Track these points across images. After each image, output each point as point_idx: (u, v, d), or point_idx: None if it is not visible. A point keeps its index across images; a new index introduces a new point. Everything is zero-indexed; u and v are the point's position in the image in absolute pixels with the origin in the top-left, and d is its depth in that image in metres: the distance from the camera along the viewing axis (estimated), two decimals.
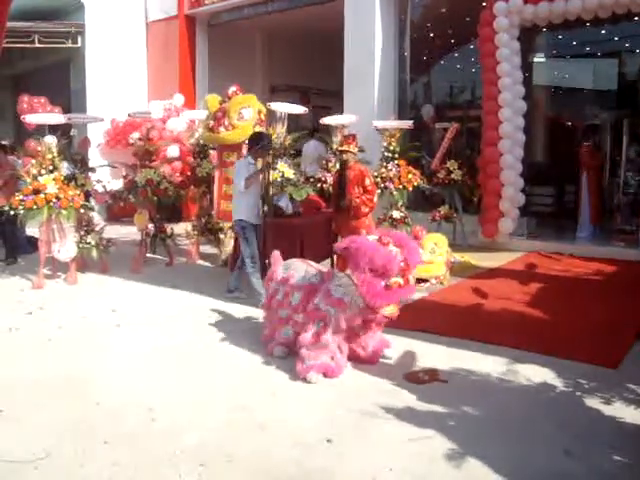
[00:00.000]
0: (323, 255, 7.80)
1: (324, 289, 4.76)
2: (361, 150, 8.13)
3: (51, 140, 7.98)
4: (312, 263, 5.36)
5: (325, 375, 4.70)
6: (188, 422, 4.02)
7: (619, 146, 11.28)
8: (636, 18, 9.78)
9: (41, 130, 8.20)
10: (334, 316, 4.62)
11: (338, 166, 7.73)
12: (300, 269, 5.17)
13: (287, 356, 5.08)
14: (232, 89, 8.48)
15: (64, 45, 15.25)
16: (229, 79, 9.44)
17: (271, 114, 9.22)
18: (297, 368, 4.71)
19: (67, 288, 7.93)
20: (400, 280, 4.56)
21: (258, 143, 7.02)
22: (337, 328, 4.66)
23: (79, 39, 15.19)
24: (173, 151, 9.89)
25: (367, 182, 7.19)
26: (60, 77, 16.24)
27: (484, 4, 10.13)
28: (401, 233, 5.10)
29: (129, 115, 10.53)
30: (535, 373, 4.83)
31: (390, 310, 4.63)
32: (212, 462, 3.52)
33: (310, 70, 16.83)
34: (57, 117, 8.43)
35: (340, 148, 7.54)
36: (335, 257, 4.84)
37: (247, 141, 7.33)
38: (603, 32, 11.58)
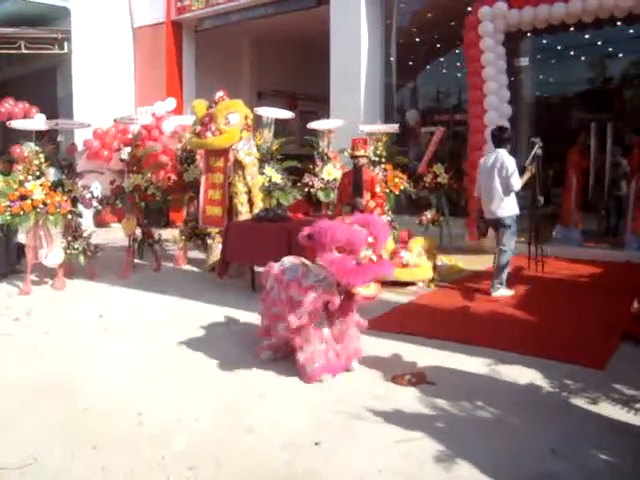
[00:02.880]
0: (311, 259, 7.81)
1: (296, 281, 4.74)
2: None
3: (31, 146, 7.96)
4: (305, 260, 5.22)
5: (332, 373, 4.75)
6: (176, 426, 4.02)
7: (603, 149, 11.37)
8: (619, 23, 9.87)
9: (28, 136, 8.18)
10: (309, 301, 4.52)
11: (352, 169, 7.76)
12: (292, 265, 5.08)
13: (275, 359, 5.07)
14: (219, 94, 8.50)
15: (51, 51, 15.20)
16: (216, 84, 9.46)
17: (258, 119, 9.25)
18: (306, 374, 4.66)
19: (54, 294, 7.91)
20: (371, 254, 4.53)
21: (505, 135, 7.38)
22: (315, 312, 4.60)
23: (65, 45, 15.15)
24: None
25: (378, 189, 7.25)
26: (47, 83, 16.18)
27: (469, 9, 10.20)
28: (365, 214, 5.22)
29: (114, 121, 10.51)
30: (522, 374, 4.86)
31: (370, 290, 4.65)
32: (201, 465, 3.52)
33: (297, 75, 16.88)
34: (42, 123, 8.41)
35: (355, 153, 7.59)
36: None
37: (496, 135, 7.54)
38: (587, 37, 11.69)
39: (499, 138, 7.44)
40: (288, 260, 5.20)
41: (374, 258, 4.53)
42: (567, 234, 10.55)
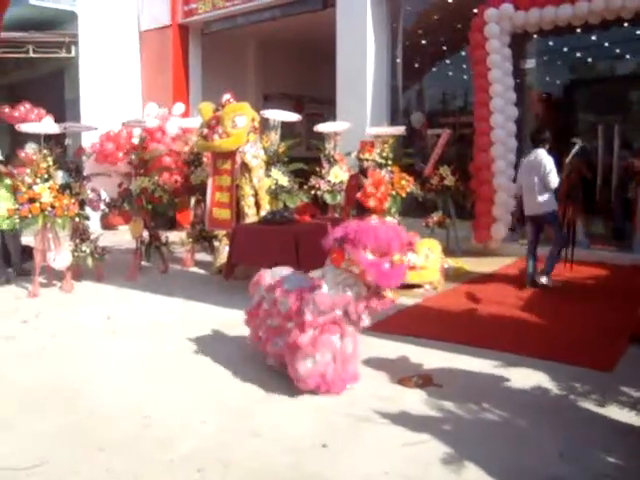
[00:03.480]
0: (319, 262, 7.81)
1: (306, 290, 4.49)
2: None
3: (34, 148, 8.00)
4: (297, 272, 5.18)
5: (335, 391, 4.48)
6: (183, 429, 4.02)
7: (611, 151, 11.33)
8: (626, 24, 9.85)
9: (36, 139, 8.22)
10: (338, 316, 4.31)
11: (358, 172, 7.78)
12: (288, 275, 4.95)
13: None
14: (226, 97, 8.53)
15: (58, 55, 15.28)
16: (223, 87, 9.49)
17: (265, 122, 9.27)
18: (306, 385, 4.40)
19: (62, 296, 7.94)
20: (403, 257, 4.39)
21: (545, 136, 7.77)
22: (333, 323, 4.37)
23: (73, 49, 15.22)
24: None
25: (382, 189, 7.26)
26: (54, 87, 16.26)
27: (475, 11, 10.19)
28: (383, 220, 5.09)
29: (123, 124, 10.55)
30: (529, 376, 4.86)
31: (391, 294, 4.47)
32: (208, 468, 3.53)
33: (303, 78, 16.91)
34: (52, 126, 8.45)
35: (361, 156, 7.61)
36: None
37: (535, 135, 7.96)
38: (594, 38, 11.66)
39: (538, 138, 7.87)
40: (280, 270, 5.10)
41: (404, 260, 4.45)
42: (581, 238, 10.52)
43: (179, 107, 12.64)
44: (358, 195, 7.15)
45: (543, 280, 7.81)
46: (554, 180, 7.52)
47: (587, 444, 3.75)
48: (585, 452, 3.66)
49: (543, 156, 7.62)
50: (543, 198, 7.65)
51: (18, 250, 8.80)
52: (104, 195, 9.28)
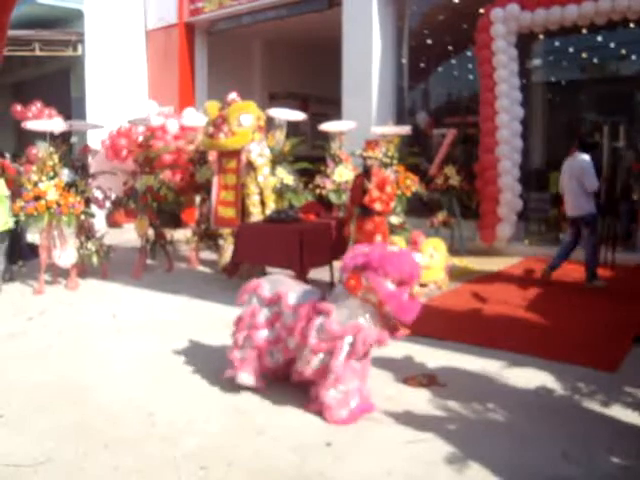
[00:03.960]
0: (323, 261, 7.86)
1: (329, 319, 4.14)
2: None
3: (44, 146, 8.02)
4: (298, 282, 4.84)
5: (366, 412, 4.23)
6: (188, 426, 4.04)
7: (616, 152, 11.32)
8: (632, 25, 9.82)
9: (43, 137, 8.24)
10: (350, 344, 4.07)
11: (362, 171, 7.77)
12: (292, 286, 4.58)
13: (256, 386, 4.51)
14: (231, 96, 8.55)
15: (64, 53, 15.32)
16: (228, 86, 9.51)
17: (270, 121, 9.28)
18: (340, 417, 4.08)
19: (68, 294, 7.96)
20: (418, 289, 4.29)
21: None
22: (355, 354, 4.12)
23: (79, 47, 15.26)
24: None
25: (388, 189, 7.26)
26: (61, 85, 16.31)
27: (481, 11, 10.19)
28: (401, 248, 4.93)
29: (129, 122, 10.57)
30: (534, 377, 4.86)
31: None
32: (212, 466, 3.55)
33: (309, 77, 16.90)
34: (57, 124, 8.47)
35: (365, 154, 7.61)
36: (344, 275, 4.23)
37: (583, 140, 8.21)
38: (600, 38, 11.65)
39: (585, 143, 8.10)
40: (278, 279, 4.72)
41: (418, 291, 4.36)
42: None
43: (188, 112, 12.58)
44: (365, 200, 7.14)
45: (596, 283, 7.94)
46: (594, 183, 7.67)
47: (591, 444, 3.76)
48: (589, 452, 3.67)
49: (583, 160, 7.77)
50: (582, 201, 7.76)
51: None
52: (110, 194, 9.30)
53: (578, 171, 7.76)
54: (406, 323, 4.11)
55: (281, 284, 4.62)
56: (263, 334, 4.46)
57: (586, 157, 7.80)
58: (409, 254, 4.31)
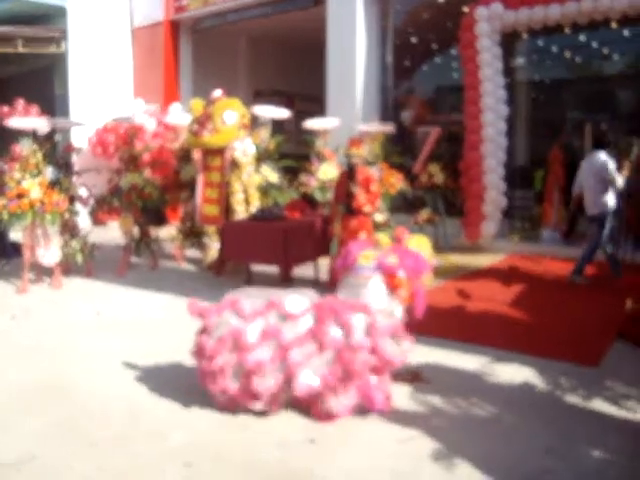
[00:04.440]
0: (307, 258, 7.89)
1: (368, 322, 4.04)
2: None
3: (27, 144, 7.97)
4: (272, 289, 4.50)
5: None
6: (173, 424, 4.05)
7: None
8: (615, 25, 9.90)
9: (26, 135, 8.17)
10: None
11: (346, 169, 7.78)
12: (278, 293, 4.30)
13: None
14: (216, 93, 8.52)
15: (47, 50, 15.20)
16: (213, 84, 9.48)
17: (255, 118, 9.27)
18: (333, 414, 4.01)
19: (52, 292, 7.92)
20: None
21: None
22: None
23: (63, 44, 15.16)
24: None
25: (373, 187, 7.27)
26: (44, 82, 16.19)
27: (465, 10, 10.23)
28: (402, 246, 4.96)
29: (114, 120, 10.52)
30: (517, 372, 4.91)
31: None
32: (198, 462, 3.56)
33: (294, 75, 16.91)
34: (41, 122, 8.41)
35: (349, 152, 7.62)
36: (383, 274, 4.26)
37: (598, 137, 8.47)
38: (582, 38, 11.75)
39: (600, 140, 8.21)
40: (252, 292, 4.44)
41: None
42: (551, 235, 10.59)
43: (174, 109, 12.53)
44: (353, 205, 7.17)
45: (578, 280, 7.97)
46: (619, 180, 7.69)
47: (574, 439, 3.80)
48: (571, 446, 3.71)
49: (604, 158, 7.80)
50: (602, 199, 7.79)
51: None
52: (94, 192, 9.25)
53: (597, 169, 7.79)
54: (419, 317, 4.35)
55: (261, 294, 4.32)
56: (258, 354, 3.98)
57: (604, 155, 7.83)
58: (419, 253, 4.50)
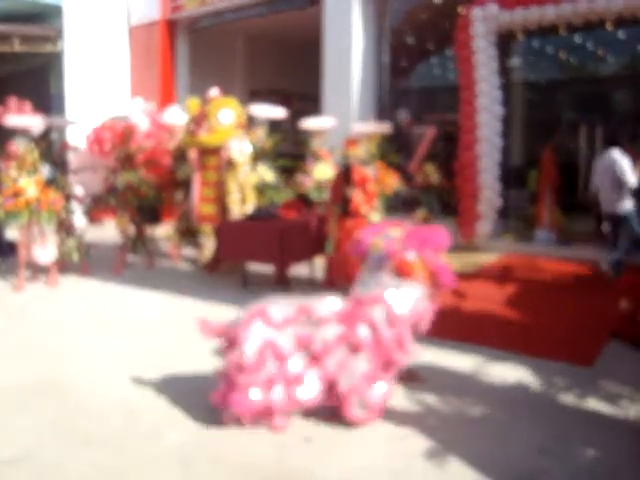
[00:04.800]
0: (303, 257, 7.92)
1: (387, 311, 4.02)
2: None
3: (24, 142, 7.97)
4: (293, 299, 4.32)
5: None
6: (170, 423, 4.06)
7: (593, 150, 11.48)
8: (610, 26, 9.94)
9: (23, 133, 8.16)
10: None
11: (342, 170, 7.79)
12: (305, 299, 4.19)
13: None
14: (213, 93, 8.53)
15: (44, 49, 15.17)
16: (210, 83, 9.49)
17: (252, 117, 9.29)
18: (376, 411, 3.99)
19: (48, 291, 7.92)
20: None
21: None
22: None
23: (59, 43, 15.12)
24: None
25: (370, 187, 7.29)
26: (40, 81, 16.16)
27: (461, 10, 10.25)
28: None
29: (111, 119, 10.53)
30: (511, 372, 4.94)
31: None
32: (194, 462, 3.58)
33: (291, 74, 16.91)
34: (37, 121, 8.40)
35: (345, 152, 7.64)
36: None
37: (612, 136, 8.26)
38: (579, 39, 11.79)
39: (614, 139, 8.16)
40: (275, 300, 4.23)
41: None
42: (546, 235, 10.61)
43: (171, 110, 12.53)
44: (350, 208, 7.19)
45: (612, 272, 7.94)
46: (631, 180, 7.67)
47: (567, 438, 3.83)
48: (565, 446, 3.74)
49: (618, 156, 7.82)
50: (618, 197, 7.82)
51: None
52: (90, 189, 9.26)
53: (612, 168, 7.81)
54: (453, 287, 4.36)
55: (287, 301, 4.19)
56: (296, 362, 3.91)
57: (619, 153, 7.85)
58: (440, 227, 4.50)
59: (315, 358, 3.90)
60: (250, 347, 3.85)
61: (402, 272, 4.16)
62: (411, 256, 4.21)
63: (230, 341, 3.99)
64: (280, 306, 4.06)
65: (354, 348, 3.93)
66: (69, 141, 10.47)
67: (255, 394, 3.83)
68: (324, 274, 7.88)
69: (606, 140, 8.27)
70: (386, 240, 4.35)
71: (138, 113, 10.01)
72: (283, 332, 3.93)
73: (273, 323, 3.94)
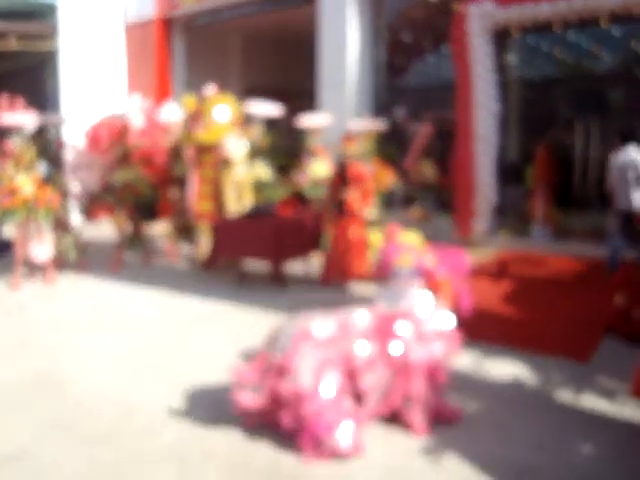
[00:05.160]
0: (298, 254, 7.94)
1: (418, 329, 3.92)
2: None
3: (20, 140, 7.96)
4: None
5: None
6: (166, 420, 4.07)
7: (588, 147, 11.53)
8: (605, 23, 9.95)
9: (17, 131, 8.15)
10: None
11: (338, 168, 7.80)
12: (334, 314, 4.04)
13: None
14: (209, 90, 8.54)
15: (41, 46, 15.14)
16: (206, 81, 9.48)
17: (248, 115, 9.29)
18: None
19: (44, 289, 7.92)
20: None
21: None
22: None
23: (53, 41, 15.08)
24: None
25: (365, 185, 7.30)
26: (36, 78, 16.13)
27: (457, 7, 10.25)
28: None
29: (109, 117, 10.51)
30: (508, 368, 4.96)
31: None
32: (190, 458, 3.59)
33: (287, 72, 16.91)
34: (26, 117, 8.37)
35: (342, 150, 7.65)
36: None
37: (625, 134, 8.26)
38: (574, 36, 11.81)
39: (628, 136, 8.23)
40: (317, 317, 4.02)
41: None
42: (541, 231, 10.64)
43: (167, 105, 12.50)
44: (346, 207, 7.20)
45: None
46: None
47: (563, 434, 3.85)
48: (561, 442, 3.76)
49: (633, 153, 7.90)
50: (632, 193, 7.88)
51: None
52: (87, 187, 9.26)
53: (631, 165, 7.88)
54: (466, 314, 4.37)
55: (324, 316, 4.03)
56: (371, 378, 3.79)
57: (636, 151, 7.93)
58: (461, 251, 4.54)
59: (353, 374, 3.75)
60: (305, 373, 3.64)
61: (433, 287, 4.15)
62: (442, 274, 4.21)
63: (278, 369, 3.72)
64: (321, 323, 3.89)
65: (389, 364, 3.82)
66: (65, 139, 10.43)
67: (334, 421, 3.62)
68: (320, 271, 7.90)
69: (622, 137, 8.26)
70: (416, 256, 4.34)
71: (135, 110, 9.98)
72: (330, 350, 3.76)
73: (320, 343, 3.76)
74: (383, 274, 4.41)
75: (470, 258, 4.47)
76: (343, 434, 3.57)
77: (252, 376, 3.80)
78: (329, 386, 3.65)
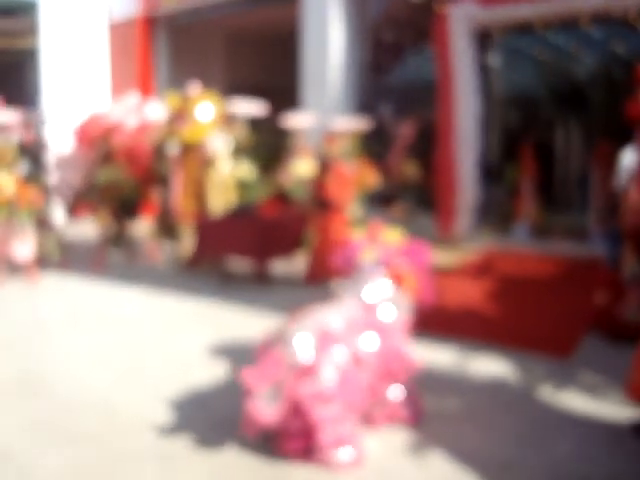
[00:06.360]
0: (282, 253, 7.95)
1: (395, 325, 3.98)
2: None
3: (0, 140, 7.92)
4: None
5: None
6: (149, 419, 4.06)
7: (569, 147, 11.64)
8: (588, 25, 10.05)
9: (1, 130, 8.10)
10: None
11: (321, 168, 7.81)
12: (328, 306, 3.92)
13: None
14: (192, 88, 8.52)
15: (20, 44, 15.01)
16: (190, 80, 9.46)
17: (231, 114, 9.28)
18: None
19: (26, 288, 7.86)
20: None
21: None
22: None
23: (34, 38, 14.96)
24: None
25: (347, 184, 7.32)
26: (17, 76, 15.99)
27: (439, 7, 10.30)
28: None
29: (97, 114, 10.47)
30: (489, 364, 5.01)
31: None
32: (174, 457, 3.59)
33: (272, 70, 16.89)
34: (9, 115, 8.31)
35: (324, 149, 7.67)
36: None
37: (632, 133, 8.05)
38: (556, 37, 11.90)
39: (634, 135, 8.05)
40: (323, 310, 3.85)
41: None
42: (523, 229, 10.73)
43: (151, 104, 12.45)
44: (324, 195, 7.22)
45: None
46: None
47: (544, 430, 3.90)
48: (542, 437, 3.80)
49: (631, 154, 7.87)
50: None
51: None
52: (70, 184, 9.22)
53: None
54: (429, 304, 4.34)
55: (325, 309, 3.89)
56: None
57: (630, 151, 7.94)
58: (422, 244, 4.48)
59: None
60: (328, 373, 3.44)
61: (396, 280, 4.18)
62: (405, 267, 4.22)
63: (301, 370, 3.43)
64: (333, 316, 3.72)
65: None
66: (46, 137, 10.37)
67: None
68: (305, 270, 7.91)
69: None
70: (382, 250, 4.37)
71: (123, 108, 9.95)
72: (339, 345, 3.56)
73: (339, 339, 3.58)
74: (346, 269, 4.45)
75: (432, 253, 4.48)
76: (347, 450, 3.49)
77: (265, 381, 3.42)
78: (350, 388, 3.49)
